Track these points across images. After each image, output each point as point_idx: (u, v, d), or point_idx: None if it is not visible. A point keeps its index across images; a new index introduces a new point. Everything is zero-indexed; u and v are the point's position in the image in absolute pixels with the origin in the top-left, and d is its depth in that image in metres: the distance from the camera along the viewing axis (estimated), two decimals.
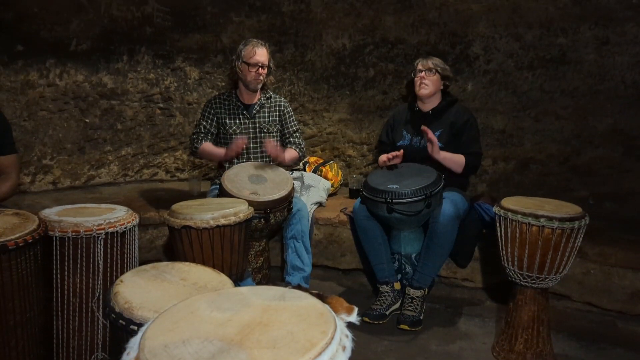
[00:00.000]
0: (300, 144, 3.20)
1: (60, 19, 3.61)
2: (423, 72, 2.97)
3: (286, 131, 3.21)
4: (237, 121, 3.13)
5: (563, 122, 3.42)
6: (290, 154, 3.11)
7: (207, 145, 3.05)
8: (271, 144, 2.95)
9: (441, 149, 2.83)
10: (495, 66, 3.52)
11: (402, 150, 2.83)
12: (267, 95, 3.21)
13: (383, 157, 2.92)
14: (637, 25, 3.16)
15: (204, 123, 3.12)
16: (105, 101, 3.88)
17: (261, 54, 3.02)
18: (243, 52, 3.03)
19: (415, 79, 3.01)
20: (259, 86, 3.12)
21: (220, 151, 3.01)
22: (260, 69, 3.02)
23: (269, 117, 3.16)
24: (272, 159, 3.04)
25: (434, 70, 2.96)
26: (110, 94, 3.89)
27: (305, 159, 3.81)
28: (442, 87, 3.04)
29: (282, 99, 3.27)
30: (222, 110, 3.14)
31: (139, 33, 3.87)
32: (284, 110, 3.21)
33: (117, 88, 3.90)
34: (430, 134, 2.73)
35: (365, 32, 3.80)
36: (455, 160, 2.84)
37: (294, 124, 3.24)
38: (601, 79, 3.30)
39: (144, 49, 3.93)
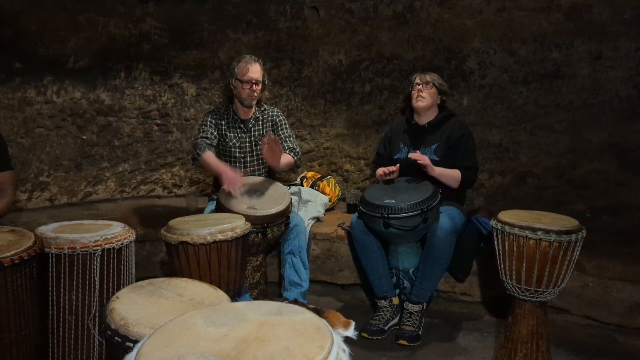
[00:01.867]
0: (295, 149, 3.10)
1: (58, 36, 3.64)
2: (420, 85, 3.00)
3: (279, 138, 3.11)
4: (235, 134, 3.13)
5: (558, 135, 3.44)
6: (285, 158, 2.99)
7: (211, 156, 2.91)
8: (268, 141, 2.72)
9: (437, 162, 2.85)
10: (490, 81, 3.55)
11: (398, 165, 2.84)
12: (262, 109, 3.21)
13: (380, 171, 2.93)
14: (630, 40, 3.20)
15: (210, 129, 3.06)
16: (102, 118, 3.89)
17: (254, 70, 3.01)
18: (236, 69, 3.03)
19: (413, 91, 3.04)
20: (254, 102, 3.12)
21: (221, 166, 2.84)
22: (254, 85, 3.01)
23: (263, 128, 3.16)
24: (265, 159, 2.84)
25: (431, 84, 2.99)
26: (108, 111, 3.90)
27: (303, 174, 3.81)
28: (439, 102, 3.06)
29: (275, 110, 3.25)
30: (222, 122, 3.12)
31: (136, 50, 3.90)
32: (276, 119, 3.20)
33: (114, 105, 3.91)
34: (420, 159, 2.74)
35: (361, 48, 3.83)
36: (451, 176, 2.85)
37: (287, 130, 3.20)
38: (595, 93, 3.33)
39: (141, 65, 3.95)
